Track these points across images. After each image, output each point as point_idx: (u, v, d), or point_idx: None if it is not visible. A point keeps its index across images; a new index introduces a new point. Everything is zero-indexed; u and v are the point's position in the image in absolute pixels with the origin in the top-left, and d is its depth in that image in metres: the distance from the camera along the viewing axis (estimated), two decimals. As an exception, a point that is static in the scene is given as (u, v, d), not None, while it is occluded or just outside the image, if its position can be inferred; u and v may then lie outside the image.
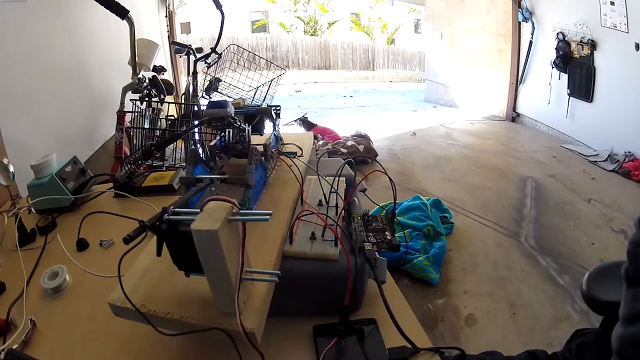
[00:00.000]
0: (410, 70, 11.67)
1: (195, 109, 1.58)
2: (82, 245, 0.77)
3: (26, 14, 1.61)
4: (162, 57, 3.34)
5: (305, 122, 4.03)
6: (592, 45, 3.39)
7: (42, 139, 1.65)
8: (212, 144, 0.70)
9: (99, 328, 0.58)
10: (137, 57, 1.57)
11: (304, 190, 0.71)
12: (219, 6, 2.08)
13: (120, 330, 0.55)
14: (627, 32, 3.03)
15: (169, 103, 1.92)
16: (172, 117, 1.62)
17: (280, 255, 0.55)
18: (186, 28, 12.24)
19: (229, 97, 1.60)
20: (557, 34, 3.75)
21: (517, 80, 4.61)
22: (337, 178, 0.69)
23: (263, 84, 1.54)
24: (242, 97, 1.53)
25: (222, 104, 0.60)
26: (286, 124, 4.11)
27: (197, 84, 2.30)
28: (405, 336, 0.50)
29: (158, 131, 1.56)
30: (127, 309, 0.45)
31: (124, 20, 1.41)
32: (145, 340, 0.54)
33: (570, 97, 3.76)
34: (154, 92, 1.68)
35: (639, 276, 0.46)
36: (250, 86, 1.58)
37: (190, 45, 2.28)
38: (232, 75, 1.63)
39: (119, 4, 1.37)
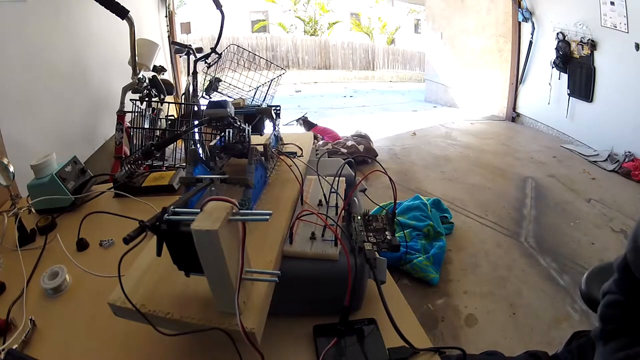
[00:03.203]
0: (410, 70, 11.67)
1: (195, 109, 1.58)
2: (82, 245, 0.77)
3: (26, 14, 1.61)
4: (162, 57, 3.34)
5: (305, 122, 4.03)
6: (592, 45, 3.39)
7: (42, 139, 1.65)
8: (212, 144, 0.70)
9: (99, 328, 0.58)
10: (137, 57, 1.57)
11: (304, 190, 0.71)
12: (219, 6, 2.08)
13: (120, 330, 0.55)
14: (627, 32, 3.03)
15: (169, 103, 1.92)
16: (172, 117, 1.62)
17: (280, 255, 0.55)
18: (186, 28, 12.24)
19: (229, 97, 1.60)
20: (557, 34, 3.75)
21: (517, 80, 4.61)
22: (337, 178, 0.69)
23: (263, 84, 1.54)
24: (242, 97, 1.53)
25: (222, 104, 0.60)
26: (286, 124, 4.12)
27: (197, 84, 2.30)
28: (403, 337, 0.49)
29: (158, 131, 1.56)
30: (127, 309, 0.45)
31: (124, 20, 1.41)
32: (145, 340, 0.54)
33: (570, 97, 3.76)
34: (154, 92, 1.68)
35: (613, 330, 0.50)
36: (250, 86, 1.59)
37: (190, 45, 2.28)
38: (232, 75, 1.64)
39: (119, 4, 1.37)
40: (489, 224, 2.28)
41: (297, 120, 4.08)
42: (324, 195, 0.69)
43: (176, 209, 0.42)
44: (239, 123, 0.65)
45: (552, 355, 0.71)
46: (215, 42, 2.06)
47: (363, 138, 3.47)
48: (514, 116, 4.76)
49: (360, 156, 3.03)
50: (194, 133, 0.88)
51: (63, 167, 0.94)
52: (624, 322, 0.51)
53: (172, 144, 0.65)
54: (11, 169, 0.84)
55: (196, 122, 0.61)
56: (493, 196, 2.66)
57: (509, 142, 3.93)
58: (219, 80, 1.66)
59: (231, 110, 0.61)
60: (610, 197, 2.60)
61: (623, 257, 0.52)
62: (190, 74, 2.28)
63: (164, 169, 1.23)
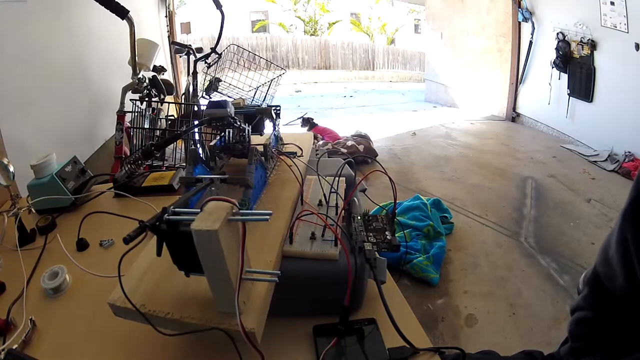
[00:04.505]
0: (410, 70, 11.67)
1: (195, 109, 1.58)
2: (82, 245, 0.77)
3: (26, 14, 1.61)
4: (162, 57, 3.34)
5: (307, 121, 4.03)
6: (592, 45, 3.39)
7: (42, 139, 1.65)
8: (212, 144, 0.70)
9: (99, 328, 0.58)
10: (137, 57, 1.57)
11: (304, 190, 0.71)
12: (219, 6, 2.08)
13: (120, 330, 0.55)
14: (627, 32, 3.03)
15: (169, 103, 1.92)
16: (172, 117, 1.62)
17: (280, 255, 0.55)
18: (186, 28, 12.25)
19: (229, 97, 1.60)
20: (557, 34, 3.75)
21: (517, 80, 4.61)
22: (337, 178, 0.69)
23: (263, 84, 1.55)
24: (242, 97, 1.53)
25: (222, 104, 0.60)
26: (286, 124, 4.12)
27: (197, 84, 2.30)
28: (404, 337, 0.49)
29: (158, 131, 1.56)
30: (127, 309, 0.45)
31: (124, 20, 1.41)
32: (145, 340, 0.54)
33: (570, 97, 3.76)
34: (154, 92, 1.68)
35: (583, 348, 0.50)
36: (250, 86, 1.59)
37: (190, 45, 2.28)
38: (232, 75, 1.64)
39: (119, 4, 1.37)
40: (489, 224, 2.28)
41: (302, 122, 4.07)
42: (324, 195, 0.69)
43: (176, 209, 0.42)
44: (239, 123, 0.65)
45: (548, 355, 0.70)
46: (215, 42, 2.06)
47: (363, 138, 3.47)
48: (514, 116, 4.76)
49: (360, 156, 3.03)
50: (194, 133, 0.88)
51: (63, 167, 0.94)
52: (594, 340, 0.50)
53: (172, 144, 0.65)
54: (11, 169, 0.84)
55: (196, 122, 0.61)
56: (493, 196, 2.66)
57: (509, 142, 3.93)
58: (219, 80, 1.66)
59: (231, 110, 0.61)
60: (610, 197, 2.60)
61: (592, 271, 0.51)
62: (190, 74, 2.28)
63: (164, 169, 1.23)
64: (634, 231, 0.44)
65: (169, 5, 3.76)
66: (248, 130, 0.69)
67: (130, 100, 1.44)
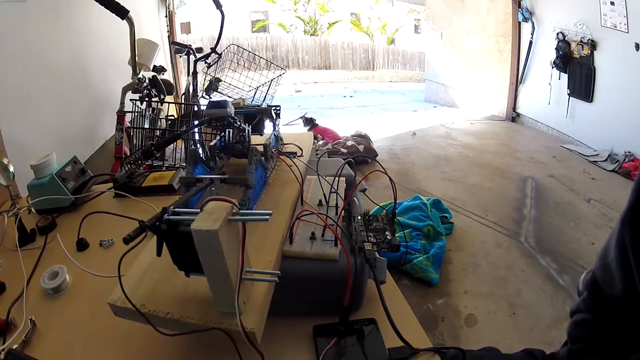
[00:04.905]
0: (410, 70, 11.67)
1: (195, 109, 1.58)
2: (82, 245, 0.77)
3: (26, 14, 1.61)
4: (162, 57, 3.34)
5: (308, 121, 4.03)
6: (592, 45, 3.39)
7: (42, 139, 1.65)
8: (212, 144, 0.70)
9: (99, 328, 0.58)
10: (137, 57, 1.57)
11: (304, 190, 0.71)
12: (219, 6, 2.08)
13: (120, 330, 0.55)
14: (627, 32, 3.03)
15: (169, 103, 1.92)
16: (172, 117, 1.62)
17: (280, 255, 0.55)
18: (186, 28, 12.25)
19: (229, 97, 1.60)
20: (557, 34, 3.75)
21: (517, 80, 4.61)
22: (337, 178, 0.69)
23: (263, 84, 1.55)
24: (242, 97, 1.53)
25: (222, 104, 0.60)
26: (286, 124, 4.12)
27: (197, 84, 2.30)
28: (402, 337, 0.49)
29: (158, 131, 1.56)
30: (127, 309, 0.45)
31: (124, 20, 1.41)
32: (145, 340, 0.54)
33: (570, 97, 3.76)
34: (154, 92, 1.68)
35: (582, 350, 0.50)
36: (250, 86, 1.59)
37: (190, 45, 2.28)
38: (232, 75, 1.64)
39: (119, 4, 1.37)
40: (489, 224, 2.28)
41: (304, 122, 4.07)
42: (324, 195, 0.69)
43: (176, 209, 0.42)
44: (239, 123, 0.65)
45: (549, 354, 0.70)
46: (215, 42, 2.06)
47: (363, 138, 3.47)
48: (514, 116, 4.76)
49: (360, 156, 3.03)
50: (194, 133, 0.88)
51: (63, 167, 0.94)
52: (593, 342, 0.50)
53: (172, 144, 0.65)
54: (11, 169, 0.84)
55: (196, 122, 0.61)
56: (493, 196, 2.66)
57: (509, 142, 3.93)
58: (219, 80, 1.67)
59: (231, 110, 0.61)
60: (610, 197, 2.60)
61: (591, 275, 0.51)
62: (190, 74, 2.28)
63: (164, 169, 1.23)
64: (633, 237, 0.43)
65: (169, 5, 3.76)
66: (248, 130, 0.69)
67: (130, 100, 1.44)
